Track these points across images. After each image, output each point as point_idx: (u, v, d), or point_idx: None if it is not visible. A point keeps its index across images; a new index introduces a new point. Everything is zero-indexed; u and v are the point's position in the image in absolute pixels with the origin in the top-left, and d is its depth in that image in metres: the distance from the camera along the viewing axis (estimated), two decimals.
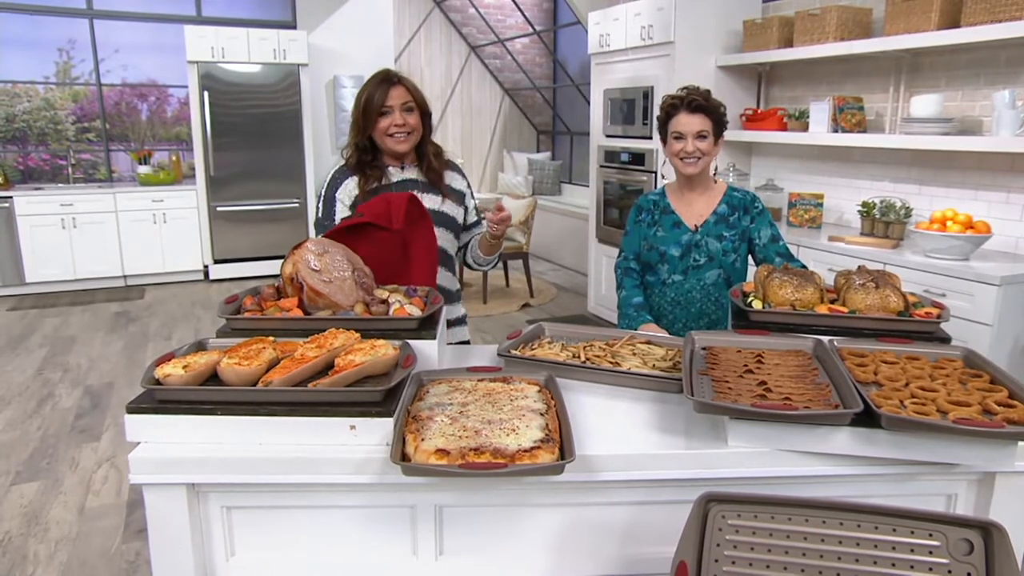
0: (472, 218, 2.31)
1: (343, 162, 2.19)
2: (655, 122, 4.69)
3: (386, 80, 2.08)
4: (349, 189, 2.13)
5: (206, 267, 6.99)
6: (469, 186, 2.34)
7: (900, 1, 3.47)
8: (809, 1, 4.30)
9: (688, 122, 2.16)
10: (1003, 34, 3.03)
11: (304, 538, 1.37)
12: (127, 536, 2.73)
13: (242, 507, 1.35)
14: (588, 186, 5.75)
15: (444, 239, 2.17)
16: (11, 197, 6.19)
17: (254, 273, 7.07)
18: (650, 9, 4.63)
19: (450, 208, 2.20)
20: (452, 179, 2.25)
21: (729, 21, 4.57)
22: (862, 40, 3.74)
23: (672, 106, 2.20)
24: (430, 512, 1.34)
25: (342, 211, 2.12)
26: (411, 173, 2.19)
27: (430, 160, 2.18)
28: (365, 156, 2.13)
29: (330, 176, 2.18)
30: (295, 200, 7.14)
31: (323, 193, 2.17)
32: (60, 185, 6.74)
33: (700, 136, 2.16)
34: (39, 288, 6.44)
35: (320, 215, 2.16)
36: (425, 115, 2.14)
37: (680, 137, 2.18)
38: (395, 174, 2.17)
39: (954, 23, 3.30)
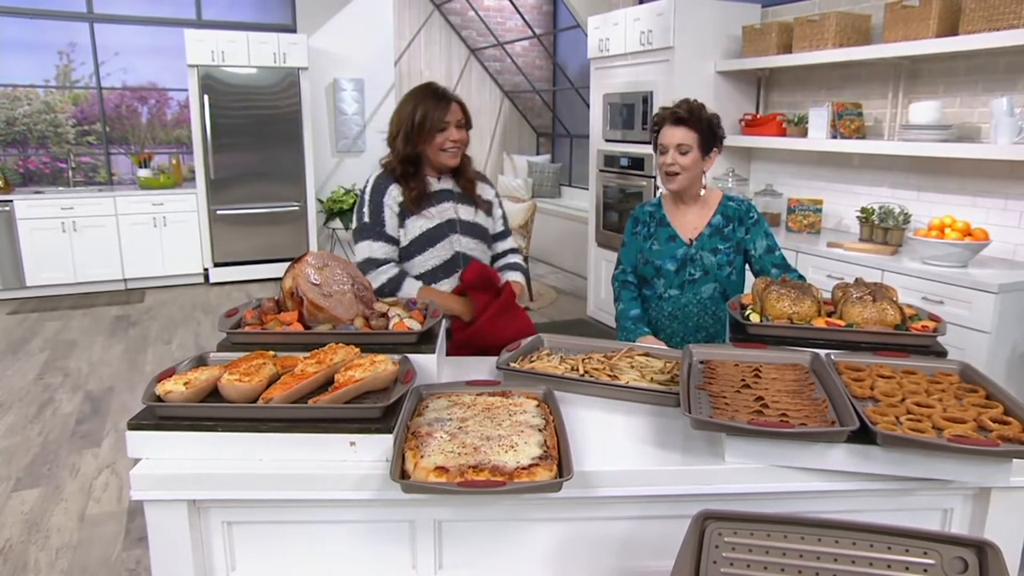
0: (499, 227, 2.38)
1: (381, 169, 2.23)
2: None
3: (444, 97, 2.15)
4: (394, 195, 2.18)
5: (206, 270, 7.00)
6: (497, 195, 2.40)
7: (899, 8, 3.47)
8: (808, 7, 4.31)
9: (671, 135, 2.16)
10: (1001, 42, 3.04)
11: (304, 553, 1.38)
12: (128, 544, 2.74)
13: (243, 522, 1.36)
14: (587, 189, 5.76)
15: (478, 250, 2.26)
16: (11, 200, 6.20)
17: (254, 276, 7.08)
18: (649, 14, 4.64)
19: (483, 219, 2.29)
20: (483, 190, 2.33)
21: (728, 27, 4.58)
22: (861, 47, 3.75)
23: (660, 118, 2.22)
24: (429, 527, 1.35)
25: (391, 216, 2.17)
26: (447, 184, 2.25)
27: (466, 170, 2.26)
28: (409, 168, 2.17)
29: (373, 182, 2.21)
30: (295, 203, 7.15)
31: (368, 198, 2.19)
32: (60, 188, 6.74)
33: (680, 150, 2.16)
34: (39, 292, 6.45)
35: (368, 220, 2.18)
36: (469, 128, 2.21)
37: (664, 151, 2.19)
38: (433, 184, 2.23)
39: (952, 30, 3.30)
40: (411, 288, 2.15)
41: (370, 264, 2.16)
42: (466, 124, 2.19)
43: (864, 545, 1.07)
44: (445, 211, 2.21)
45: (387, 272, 2.15)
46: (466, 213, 2.25)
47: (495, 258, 2.37)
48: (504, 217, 2.41)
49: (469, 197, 2.27)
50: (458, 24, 9.02)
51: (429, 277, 2.20)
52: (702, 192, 2.28)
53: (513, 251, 2.41)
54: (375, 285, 2.15)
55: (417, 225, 2.17)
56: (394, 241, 2.18)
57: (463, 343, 2.16)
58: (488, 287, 2.19)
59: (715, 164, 2.28)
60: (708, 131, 2.17)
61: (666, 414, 1.55)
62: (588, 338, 1.97)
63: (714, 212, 2.27)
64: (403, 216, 2.17)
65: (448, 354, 2.18)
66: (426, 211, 2.18)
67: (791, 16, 4.31)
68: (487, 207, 2.32)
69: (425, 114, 2.11)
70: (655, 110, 4.59)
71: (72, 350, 5.07)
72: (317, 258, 1.73)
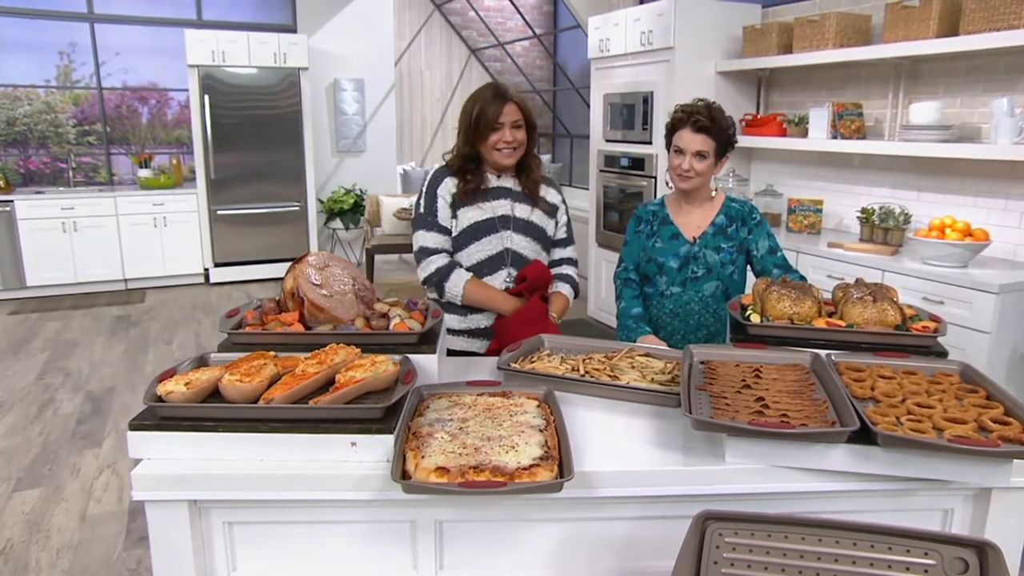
0: (561, 234, 2.36)
1: (443, 163, 2.27)
2: (655, 127, 4.71)
3: (500, 96, 2.15)
4: (449, 187, 2.21)
5: (206, 270, 7.01)
6: (564, 202, 2.38)
7: (899, 8, 3.47)
8: (808, 7, 4.31)
9: (690, 140, 2.16)
10: (1001, 42, 3.04)
11: (305, 553, 1.38)
12: (129, 543, 2.74)
13: (244, 523, 1.36)
14: (588, 189, 5.76)
15: (529, 248, 2.24)
16: (12, 201, 6.20)
17: (254, 276, 7.08)
18: (650, 15, 4.64)
19: (539, 219, 2.27)
20: (547, 192, 2.31)
21: (728, 27, 4.58)
22: (861, 47, 3.75)
23: (679, 119, 2.20)
24: (430, 527, 1.35)
25: (443, 207, 2.20)
26: (507, 182, 2.25)
27: (530, 171, 2.26)
28: (468, 164, 2.20)
29: (431, 175, 2.25)
30: (295, 203, 7.15)
31: (424, 190, 2.23)
32: (61, 188, 6.74)
33: (699, 156, 2.16)
34: (40, 292, 6.45)
35: (422, 211, 2.22)
36: (531, 129, 2.21)
37: (680, 152, 2.19)
38: (492, 180, 2.24)
39: (953, 31, 3.31)
40: (459, 279, 2.15)
41: (422, 253, 2.19)
42: (526, 125, 2.18)
43: (864, 545, 1.07)
44: (500, 207, 2.21)
45: (436, 262, 2.16)
46: (522, 211, 2.23)
47: (551, 265, 2.35)
48: (568, 225, 2.38)
49: (530, 197, 2.25)
50: (458, 24, 9.02)
51: (475, 270, 2.20)
52: (712, 195, 2.29)
53: (569, 261, 2.37)
54: (424, 275, 2.18)
55: (468, 216, 2.18)
56: (446, 231, 2.20)
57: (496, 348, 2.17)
58: (537, 291, 2.21)
59: (722, 169, 2.29)
60: (725, 139, 2.19)
61: (667, 414, 1.55)
62: (589, 338, 1.97)
63: (717, 212, 2.27)
64: (456, 207, 2.19)
65: (488, 352, 2.21)
66: (480, 204, 2.19)
67: (791, 16, 4.31)
68: (549, 209, 2.29)
69: (481, 112, 2.13)
70: (656, 110, 4.66)
71: (73, 350, 5.07)
72: (318, 258, 1.74)
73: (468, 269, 2.19)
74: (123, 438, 1.33)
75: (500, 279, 2.21)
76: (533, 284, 2.18)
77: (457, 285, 2.15)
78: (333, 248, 7.81)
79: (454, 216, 2.19)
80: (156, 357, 4.92)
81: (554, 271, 2.32)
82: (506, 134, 2.13)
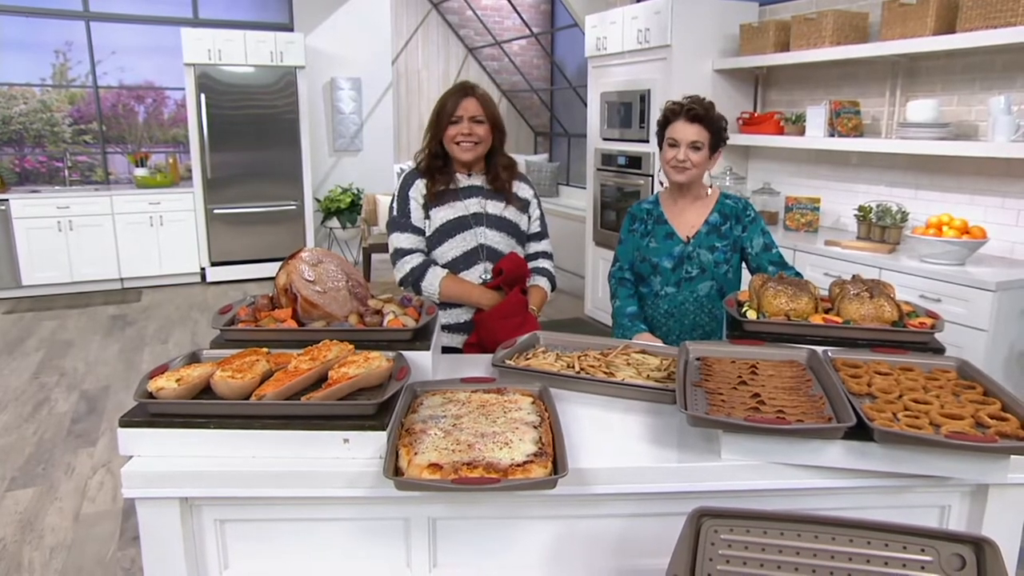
0: (535, 228, 2.38)
1: (415, 165, 2.29)
2: (652, 126, 4.71)
3: (461, 91, 2.18)
4: (420, 188, 2.23)
5: (203, 270, 6.99)
6: (536, 196, 2.39)
7: (896, 6, 3.47)
8: (806, 5, 4.31)
9: (684, 131, 2.15)
10: (998, 40, 3.03)
11: (298, 551, 1.36)
12: (123, 543, 2.72)
13: (235, 520, 1.35)
14: (585, 188, 5.76)
15: (503, 243, 2.26)
16: (7, 200, 6.18)
17: (251, 276, 7.06)
18: (647, 13, 4.64)
19: (512, 214, 2.28)
20: (519, 188, 2.33)
21: (726, 25, 4.57)
22: (858, 45, 3.74)
23: (672, 111, 2.20)
24: (424, 525, 1.34)
25: (416, 208, 2.22)
26: (477, 180, 2.27)
27: (498, 172, 2.27)
28: (436, 161, 2.22)
29: (402, 178, 2.28)
30: (292, 203, 7.13)
31: (396, 193, 2.27)
32: (57, 187, 6.72)
33: (694, 146, 2.15)
34: (36, 291, 6.42)
35: (396, 213, 2.24)
36: (497, 129, 2.22)
37: (674, 144, 2.17)
38: (462, 180, 2.25)
39: (950, 28, 3.30)
40: (434, 276, 2.17)
41: (397, 254, 2.21)
42: (488, 120, 2.17)
43: (861, 542, 1.06)
44: (472, 205, 2.23)
45: (410, 262, 2.18)
46: (494, 208, 2.25)
47: (526, 259, 2.35)
48: (542, 219, 2.40)
49: (500, 193, 2.27)
50: (456, 23, 9.01)
51: (451, 266, 2.21)
52: (708, 192, 2.28)
53: (544, 255, 2.39)
54: (400, 275, 2.20)
55: (440, 215, 2.21)
56: (420, 232, 2.22)
57: (475, 341, 2.19)
58: (515, 284, 2.21)
59: (715, 165, 2.28)
60: (718, 132, 2.18)
61: (662, 411, 1.54)
62: (584, 335, 1.96)
63: (711, 210, 2.26)
64: (428, 207, 2.21)
65: (465, 345, 2.22)
66: (451, 203, 2.21)
67: (789, 14, 4.31)
68: (521, 204, 2.31)
69: (442, 106, 2.17)
70: (653, 108, 4.65)
71: (68, 349, 5.05)
72: (312, 255, 1.72)
73: (444, 266, 2.20)
74: (117, 437, 1.31)
75: (476, 274, 2.22)
76: (510, 277, 2.19)
77: (433, 283, 2.16)
78: (330, 247, 7.79)
79: (427, 216, 2.21)
80: (152, 356, 4.90)
81: (530, 265, 2.33)
82: (464, 126, 2.14)
